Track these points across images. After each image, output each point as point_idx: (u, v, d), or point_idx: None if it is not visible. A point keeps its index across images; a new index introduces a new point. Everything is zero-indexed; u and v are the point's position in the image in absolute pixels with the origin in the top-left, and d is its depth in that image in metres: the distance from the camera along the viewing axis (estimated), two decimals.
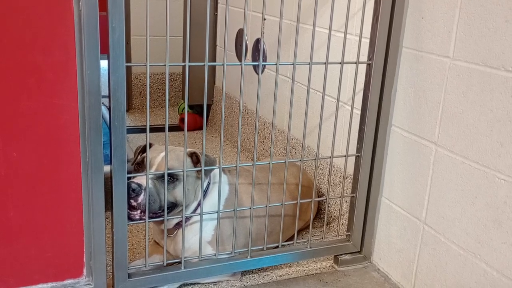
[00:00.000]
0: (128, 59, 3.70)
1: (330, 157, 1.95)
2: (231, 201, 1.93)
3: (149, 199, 1.70)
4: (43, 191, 1.56)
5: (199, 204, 1.88)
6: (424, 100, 1.78)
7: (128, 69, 3.92)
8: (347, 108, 2.21)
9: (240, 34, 3.09)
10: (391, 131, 1.95)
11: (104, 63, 1.49)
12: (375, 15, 1.83)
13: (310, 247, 2.00)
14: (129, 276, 1.72)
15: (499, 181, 1.52)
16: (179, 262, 1.81)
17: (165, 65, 1.58)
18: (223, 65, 1.67)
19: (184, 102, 3.77)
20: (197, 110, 3.70)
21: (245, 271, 1.99)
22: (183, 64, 1.62)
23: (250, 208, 1.86)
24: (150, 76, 1.56)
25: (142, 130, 3.57)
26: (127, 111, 1.47)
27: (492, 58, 1.52)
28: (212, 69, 3.70)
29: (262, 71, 1.85)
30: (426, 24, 1.75)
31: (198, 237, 1.83)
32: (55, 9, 1.42)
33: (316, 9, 1.72)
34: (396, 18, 1.82)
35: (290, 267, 2.06)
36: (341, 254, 2.07)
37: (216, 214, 1.83)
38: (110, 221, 1.65)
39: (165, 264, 1.80)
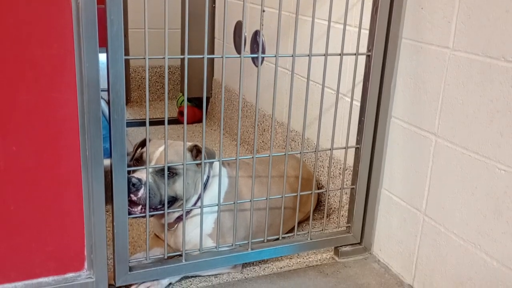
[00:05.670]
0: (126, 52, 3.68)
1: (330, 149, 1.95)
2: (231, 194, 1.93)
3: (149, 194, 1.70)
4: (43, 185, 1.56)
5: (199, 197, 1.88)
6: (424, 91, 1.78)
7: (127, 62, 3.91)
8: (347, 100, 2.20)
9: (238, 26, 3.08)
10: (391, 123, 1.95)
11: (102, 57, 1.48)
12: (374, 6, 1.82)
13: (311, 239, 2.00)
14: (130, 269, 1.73)
15: (499, 172, 1.53)
16: (180, 255, 1.82)
17: (164, 58, 1.58)
18: (222, 57, 1.67)
19: (183, 95, 3.76)
20: (196, 103, 3.70)
21: (245, 263, 2.00)
22: (182, 57, 1.61)
23: (250, 201, 1.86)
24: (148, 69, 1.56)
25: (141, 123, 3.56)
26: (125, 104, 1.47)
27: (492, 49, 1.52)
28: (211, 62, 3.69)
29: (261, 64, 1.84)
30: (426, 14, 1.74)
31: (198, 230, 1.84)
32: (53, 2, 1.41)
33: (315, 0, 1.72)
34: (396, 9, 1.82)
35: (291, 259, 2.07)
36: (341, 246, 2.07)
37: (216, 207, 1.83)
38: (111, 214, 1.65)
39: (166, 257, 1.81)
